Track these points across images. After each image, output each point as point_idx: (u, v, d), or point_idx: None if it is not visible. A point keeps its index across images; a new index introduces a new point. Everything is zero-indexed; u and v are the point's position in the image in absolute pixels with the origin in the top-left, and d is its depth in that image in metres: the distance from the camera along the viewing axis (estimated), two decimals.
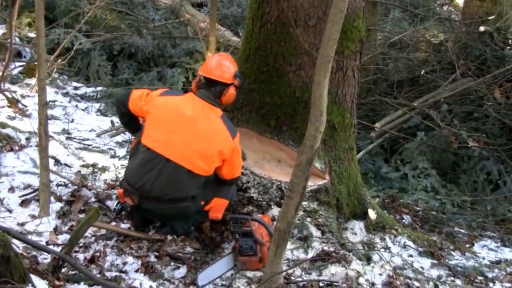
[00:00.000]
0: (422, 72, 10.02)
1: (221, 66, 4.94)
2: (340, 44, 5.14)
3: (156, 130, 4.77)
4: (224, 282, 4.47)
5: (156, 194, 4.71)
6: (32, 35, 10.17)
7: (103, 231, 4.97)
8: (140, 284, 4.25)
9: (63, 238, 4.79)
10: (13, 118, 7.25)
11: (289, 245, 4.81)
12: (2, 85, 7.80)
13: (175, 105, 4.84)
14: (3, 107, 7.57)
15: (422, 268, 5.28)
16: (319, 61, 3.94)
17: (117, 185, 5.76)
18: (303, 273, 4.72)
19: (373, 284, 4.66)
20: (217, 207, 4.91)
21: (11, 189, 5.53)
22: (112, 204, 5.42)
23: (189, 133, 4.71)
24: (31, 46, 9.62)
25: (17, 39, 10.10)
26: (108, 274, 4.35)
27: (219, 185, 4.95)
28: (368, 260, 5.10)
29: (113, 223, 5.15)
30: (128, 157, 5.30)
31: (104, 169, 6.31)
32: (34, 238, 4.67)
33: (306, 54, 5.28)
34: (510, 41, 10.13)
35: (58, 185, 5.65)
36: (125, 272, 4.44)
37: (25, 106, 7.76)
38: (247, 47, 5.62)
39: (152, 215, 4.93)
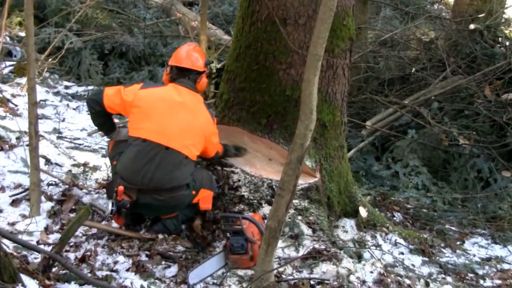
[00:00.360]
0: (412, 70, 10.01)
1: (192, 55, 5.08)
2: (330, 43, 5.18)
3: (148, 121, 4.80)
4: (215, 281, 4.47)
5: (156, 185, 4.73)
6: (23, 34, 10.12)
7: (94, 230, 4.97)
8: (131, 283, 4.24)
9: (54, 237, 4.79)
10: (3, 118, 7.23)
11: (280, 243, 4.82)
12: None
13: (161, 94, 4.92)
14: None
15: (413, 265, 5.29)
16: (308, 59, 3.94)
17: (100, 182, 5.78)
18: (294, 271, 4.72)
19: (364, 281, 4.66)
20: (205, 199, 4.98)
21: (2, 189, 5.53)
22: (103, 203, 5.42)
23: (182, 119, 4.82)
24: (21, 45, 9.60)
25: (8, 39, 10.08)
26: (99, 273, 4.34)
27: (202, 175, 5.03)
28: (359, 258, 5.10)
29: (104, 222, 5.14)
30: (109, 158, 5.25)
31: (95, 168, 6.30)
32: (24, 237, 4.66)
33: (296, 53, 5.28)
34: (500, 38, 10.12)
35: (49, 184, 5.64)
36: (116, 271, 4.44)
37: (16, 106, 7.74)
38: (237, 45, 5.61)
39: (151, 209, 4.92)
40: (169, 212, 4.93)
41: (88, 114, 8.52)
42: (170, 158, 4.73)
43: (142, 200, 4.77)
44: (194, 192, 4.90)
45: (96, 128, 7.70)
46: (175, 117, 4.81)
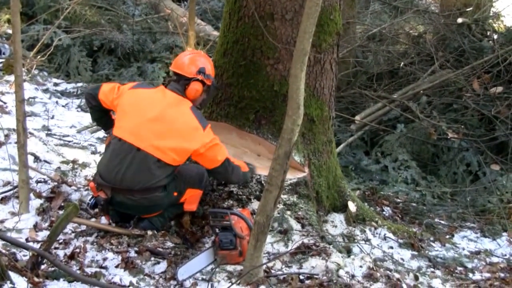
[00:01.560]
0: (401, 65, 10.04)
1: (185, 60, 4.98)
2: (317, 37, 5.20)
3: (126, 120, 4.80)
4: (204, 277, 4.47)
5: (127, 185, 4.71)
6: (11, 31, 10.08)
7: (83, 227, 4.96)
8: (120, 279, 4.25)
9: (43, 234, 4.77)
10: None
11: (269, 239, 4.82)
12: None
13: (145, 96, 4.89)
14: None
15: (402, 259, 5.31)
16: (295, 54, 3.95)
17: (89, 179, 5.77)
18: (283, 266, 4.73)
19: (353, 276, 4.66)
20: (192, 198, 4.94)
21: None
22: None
23: (159, 123, 4.73)
24: (10, 42, 9.55)
25: None
26: (88, 270, 4.34)
27: (190, 175, 4.94)
28: (348, 252, 5.12)
29: (93, 219, 5.14)
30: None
31: (84, 165, 6.28)
32: (13, 235, 4.64)
33: (284, 48, 5.28)
34: (488, 32, 10.16)
35: (37, 181, 5.61)
36: (105, 267, 4.44)
37: (5, 103, 7.70)
38: (224, 41, 5.61)
39: (126, 208, 4.89)
40: (148, 212, 4.89)
41: (78, 111, 8.58)
42: (140, 159, 4.69)
43: (117, 198, 4.77)
44: (176, 194, 4.85)
45: (85, 125, 7.77)
46: (151, 119, 4.73)
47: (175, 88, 4.89)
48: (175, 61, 5.03)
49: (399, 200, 7.03)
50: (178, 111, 4.79)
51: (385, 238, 5.59)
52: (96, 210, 5.16)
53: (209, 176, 5.05)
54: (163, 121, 4.73)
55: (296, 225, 5.17)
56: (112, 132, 4.86)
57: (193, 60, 4.97)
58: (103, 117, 5.18)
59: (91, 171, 6.10)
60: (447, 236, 6.13)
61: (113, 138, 4.82)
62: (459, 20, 9.89)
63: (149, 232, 4.82)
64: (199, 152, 4.76)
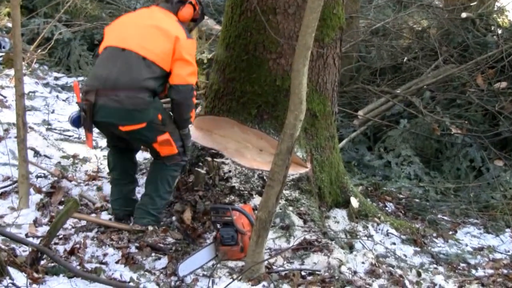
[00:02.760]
0: (405, 60, 9.99)
1: None
2: (320, 32, 5.17)
3: (113, 33, 4.89)
4: (205, 273, 4.45)
5: (112, 83, 4.65)
6: (11, 25, 10.08)
7: (83, 223, 4.93)
8: (121, 275, 4.23)
9: (43, 230, 4.76)
10: None
11: (271, 234, 4.79)
12: None
13: (130, 14, 5.09)
14: None
15: (405, 255, 5.29)
16: (297, 49, 3.94)
17: (90, 174, 5.73)
18: (285, 262, 4.70)
19: (355, 272, 4.65)
20: (165, 143, 4.84)
21: None
22: (93, 195, 5.41)
23: (145, 27, 4.80)
24: (10, 36, 9.52)
25: None
26: (88, 265, 4.32)
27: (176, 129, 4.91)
28: (351, 248, 5.10)
29: (93, 215, 5.11)
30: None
31: (85, 160, 6.27)
32: (13, 230, 4.64)
33: (286, 42, 5.25)
34: (492, 27, 10.11)
35: (37, 176, 5.61)
36: (105, 263, 4.42)
37: (5, 97, 7.69)
38: (226, 35, 5.58)
39: (109, 115, 4.70)
40: (130, 119, 4.70)
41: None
42: (126, 58, 4.69)
43: (100, 102, 4.65)
44: (160, 118, 4.74)
45: None
46: (137, 25, 4.84)
47: (164, 5, 4.97)
48: None
49: (402, 196, 7.00)
50: (165, 18, 4.88)
51: (387, 234, 5.56)
52: (80, 129, 5.12)
53: (168, 96, 4.94)
54: (150, 25, 4.80)
55: (298, 221, 5.14)
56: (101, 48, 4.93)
57: None
58: None
59: (91, 166, 6.09)
60: (450, 232, 6.10)
61: (102, 51, 4.89)
62: (463, 14, 9.84)
63: (150, 228, 4.79)
64: (175, 57, 4.75)
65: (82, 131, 7.27)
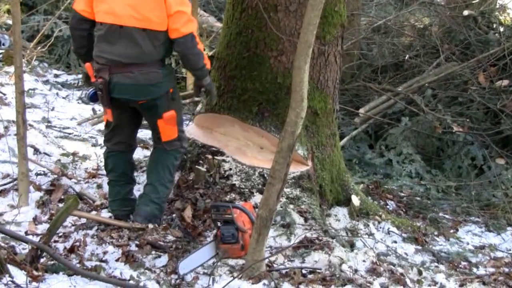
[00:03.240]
0: (406, 57, 9.98)
1: None
2: (321, 29, 5.16)
3: (102, 6, 4.70)
4: (205, 271, 4.43)
5: (122, 60, 4.65)
6: (11, 22, 10.06)
7: (83, 220, 4.92)
8: (121, 273, 4.22)
9: (43, 228, 4.75)
10: None
11: (272, 232, 4.79)
12: None
13: None
14: None
15: (406, 254, 5.27)
16: (299, 46, 3.94)
17: (90, 172, 5.71)
18: (285, 260, 4.69)
19: (356, 270, 4.64)
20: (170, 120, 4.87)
21: None
22: (93, 193, 5.39)
23: None
24: (10, 33, 9.53)
25: None
26: (88, 263, 4.31)
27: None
28: (352, 246, 5.09)
29: (94, 212, 5.10)
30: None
31: (85, 158, 6.27)
32: (12, 228, 4.61)
33: (288, 39, 5.24)
34: (494, 25, 10.10)
35: (37, 174, 5.61)
36: (105, 261, 4.40)
37: (4, 95, 7.69)
38: (227, 32, 5.57)
39: (126, 91, 4.73)
40: (144, 94, 4.75)
41: (78, 103, 8.55)
42: (127, 35, 4.63)
43: (115, 79, 4.67)
44: (171, 91, 4.81)
45: (86, 117, 7.72)
46: None
47: None
48: None
49: (403, 194, 6.99)
50: None
51: (388, 232, 5.55)
52: (97, 103, 5.18)
53: (174, 51, 4.89)
54: None
55: (299, 219, 5.13)
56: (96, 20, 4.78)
57: None
58: (84, 46, 4.94)
59: (91, 164, 6.08)
60: (451, 231, 6.09)
61: (97, 25, 4.76)
62: (465, 12, 9.83)
63: (150, 226, 4.78)
64: (168, 13, 4.64)
65: (82, 128, 7.36)
